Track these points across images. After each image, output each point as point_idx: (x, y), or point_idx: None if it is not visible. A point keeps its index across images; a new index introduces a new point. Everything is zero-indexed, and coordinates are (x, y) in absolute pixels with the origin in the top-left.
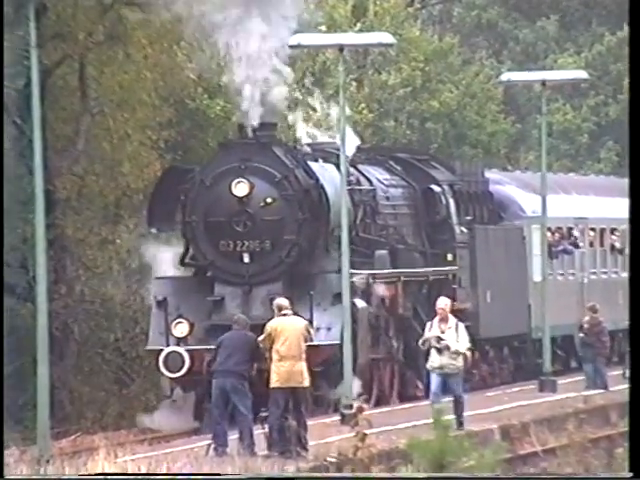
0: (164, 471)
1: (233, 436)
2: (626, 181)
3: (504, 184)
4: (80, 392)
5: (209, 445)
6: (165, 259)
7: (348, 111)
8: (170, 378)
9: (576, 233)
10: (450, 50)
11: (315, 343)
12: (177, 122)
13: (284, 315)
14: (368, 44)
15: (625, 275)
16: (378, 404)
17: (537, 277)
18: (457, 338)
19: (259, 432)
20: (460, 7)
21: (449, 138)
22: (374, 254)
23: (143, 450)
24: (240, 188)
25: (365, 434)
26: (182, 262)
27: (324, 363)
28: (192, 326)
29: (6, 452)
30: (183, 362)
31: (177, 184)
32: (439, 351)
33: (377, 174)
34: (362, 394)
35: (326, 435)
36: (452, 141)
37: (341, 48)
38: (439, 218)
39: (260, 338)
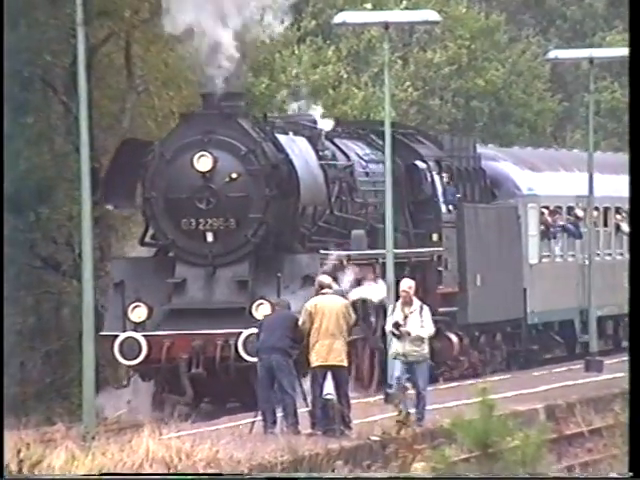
0: (207, 448)
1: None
2: None
3: (498, 160)
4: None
5: (253, 423)
6: None
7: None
8: (127, 366)
9: (580, 213)
10: (496, 28)
11: None
12: None
13: (323, 294)
14: (414, 22)
15: None
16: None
17: (533, 259)
18: (421, 323)
19: (303, 410)
20: None
21: (495, 117)
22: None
23: (187, 427)
24: (203, 162)
25: (409, 413)
26: (142, 242)
27: None
28: (151, 310)
29: (52, 428)
30: (140, 349)
31: (136, 158)
32: (399, 338)
33: (357, 149)
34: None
35: (369, 414)
36: (498, 119)
37: (386, 26)
38: (424, 196)
39: (300, 320)
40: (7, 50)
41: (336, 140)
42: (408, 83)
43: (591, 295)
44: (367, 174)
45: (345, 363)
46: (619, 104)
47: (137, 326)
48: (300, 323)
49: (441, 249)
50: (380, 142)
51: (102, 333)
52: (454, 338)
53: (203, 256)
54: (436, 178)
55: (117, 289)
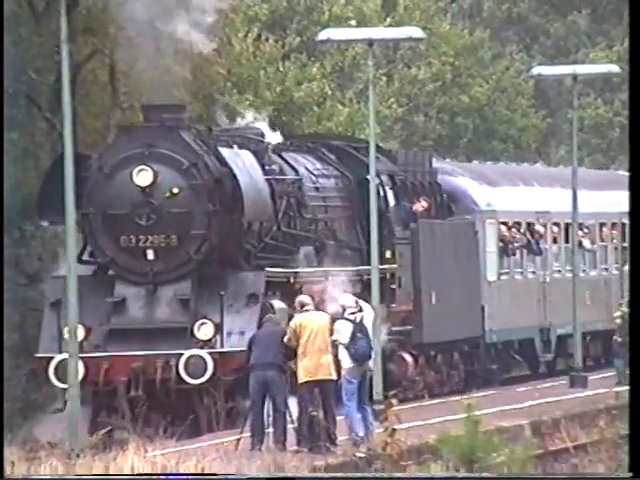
0: (193, 465)
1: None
2: (595, 173)
3: (456, 175)
4: None
5: (238, 439)
6: None
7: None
8: (62, 389)
9: (540, 229)
10: (480, 44)
11: (226, 350)
12: (207, 117)
13: (306, 311)
14: (398, 38)
15: (593, 274)
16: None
17: (492, 276)
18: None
19: (289, 427)
20: (490, 1)
21: (479, 133)
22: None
23: (172, 445)
24: (143, 177)
25: (394, 429)
26: (80, 259)
27: (236, 372)
28: (89, 331)
29: (37, 445)
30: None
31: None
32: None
33: (307, 163)
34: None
35: None
36: (482, 136)
37: (371, 43)
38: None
39: (286, 338)
40: None
41: (284, 154)
42: (392, 100)
43: (576, 311)
44: (317, 189)
45: (334, 376)
46: (603, 120)
47: None
48: (285, 340)
49: (394, 266)
50: (331, 156)
51: (37, 355)
52: (408, 358)
53: (143, 274)
54: (389, 193)
55: (53, 309)
